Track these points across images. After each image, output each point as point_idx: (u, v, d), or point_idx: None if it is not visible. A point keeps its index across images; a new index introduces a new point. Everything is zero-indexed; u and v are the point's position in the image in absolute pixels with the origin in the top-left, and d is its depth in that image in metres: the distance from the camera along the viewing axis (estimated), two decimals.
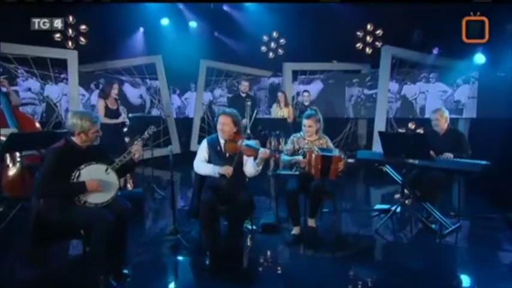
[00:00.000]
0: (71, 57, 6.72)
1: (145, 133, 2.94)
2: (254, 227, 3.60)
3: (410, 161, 3.70)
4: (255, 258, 3.19)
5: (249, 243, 3.43)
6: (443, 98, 6.89)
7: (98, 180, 2.68)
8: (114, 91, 5.04)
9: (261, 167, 3.22)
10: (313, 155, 3.41)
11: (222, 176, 3.12)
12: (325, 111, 6.60)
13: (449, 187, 4.00)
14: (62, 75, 6.90)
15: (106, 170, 2.76)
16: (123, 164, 2.81)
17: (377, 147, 6.39)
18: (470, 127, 6.44)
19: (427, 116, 7.03)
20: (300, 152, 3.65)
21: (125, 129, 5.15)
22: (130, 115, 5.27)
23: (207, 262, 2.98)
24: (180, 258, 3.21)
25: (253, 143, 3.22)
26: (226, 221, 3.27)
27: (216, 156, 3.24)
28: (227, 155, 3.24)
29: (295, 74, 7.80)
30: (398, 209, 3.96)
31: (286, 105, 6.64)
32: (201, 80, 8.23)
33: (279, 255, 3.34)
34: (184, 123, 8.19)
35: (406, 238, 3.72)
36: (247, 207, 3.14)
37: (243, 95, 6.43)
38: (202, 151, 3.28)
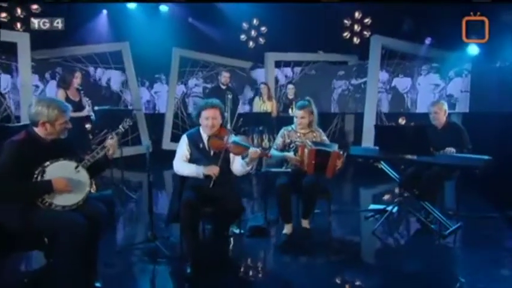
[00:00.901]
0: (22, 41, 6.36)
1: (121, 126, 2.82)
2: (241, 231, 3.55)
3: (409, 156, 3.75)
4: (243, 265, 3.14)
5: (235, 249, 3.37)
6: (435, 91, 7.07)
7: (67, 179, 2.53)
8: (76, 80, 4.86)
9: (250, 167, 3.16)
10: (306, 150, 3.39)
11: (207, 176, 3.03)
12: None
13: (449, 185, 4.07)
14: (11, 62, 6.54)
15: (76, 167, 2.61)
16: (96, 162, 2.67)
17: (367, 144, 6.50)
18: (462, 122, 6.64)
19: (418, 111, 7.25)
20: (291, 146, 3.62)
21: (88, 126, 4.95)
22: (96, 108, 5.09)
23: (189, 271, 2.91)
24: (158, 267, 3.12)
25: (240, 139, 3.14)
26: (210, 224, 3.19)
27: (198, 154, 3.15)
28: (211, 152, 3.15)
29: (278, 65, 7.79)
30: (395, 209, 4.01)
31: (270, 98, 6.62)
32: (173, 71, 8.08)
33: (270, 261, 3.30)
34: (154, 120, 8.00)
35: (406, 240, 3.76)
36: (236, 209, 3.07)
37: (223, 87, 6.36)
38: (182, 148, 3.17)
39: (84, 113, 4.78)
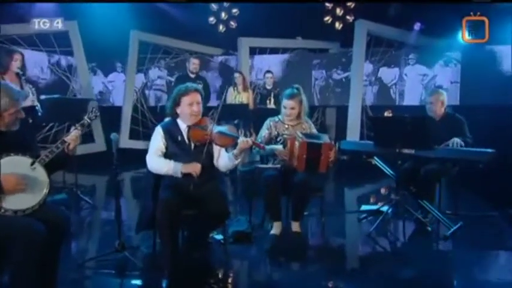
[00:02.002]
0: None
1: (85, 118, 2.70)
2: (225, 237, 3.46)
3: (406, 151, 3.82)
4: (227, 275, 3.08)
5: (218, 258, 3.30)
6: (423, 82, 7.28)
7: (19, 176, 2.37)
8: (16, 63, 4.60)
9: (239, 160, 3.09)
10: (297, 143, 3.36)
11: (186, 175, 2.93)
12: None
13: (445, 182, 4.18)
14: None
15: (32, 164, 2.45)
16: (54, 158, 2.53)
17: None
18: None
19: (406, 103, 7.45)
20: (278, 140, 3.58)
21: (30, 120, 4.69)
22: (43, 97, 4.84)
23: (165, 284, 2.84)
24: (129, 280, 3.00)
25: (226, 129, 3.07)
26: (188, 229, 3.11)
27: (176, 148, 3.05)
28: (192, 145, 3.07)
29: (253, 52, 7.75)
30: (391, 210, 4.07)
31: (245, 89, 6.57)
32: (132, 58, 7.86)
33: (257, 270, 3.25)
34: (109, 114, 7.72)
35: (405, 243, 3.81)
36: (221, 212, 3.00)
37: (192, 75, 6.27)
38: (156, 141, 3.05)
39: (27, 103, 4.51)
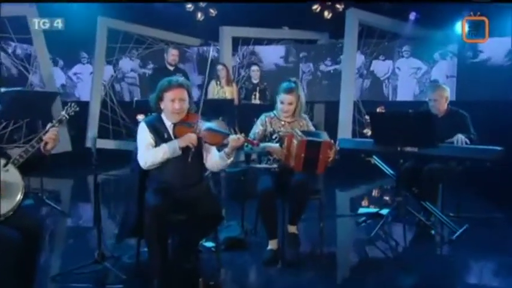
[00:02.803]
0: None
1: (63, 113, 2.68)
2: (217, 244, 3.43)
3: (408, 149, 3.88)
4: (221, 286, 3.07)
5: (210, 267, 3.27)
6: (417, 76, 7.40)
7: None
8: None
9: (232, 159, 3.08)
10: (295, 141, 3.35)
11: (185, 152, 2.91)
12: (273, 92, 6.67)
13: (451, 181, 4.26)
14: None
15: (5, 165, 2.40)
16: (29, 159, 2.49)
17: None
18: None
19: (399, 98, 7.57)
20: (274, 137, 3.57)
21: None
22: (2, 90, 4.70)
23: None
24: None
25: (216, 125, 3.05)
26: (178, 236, 3.06)
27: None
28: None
29: (236, 42, 7.74)
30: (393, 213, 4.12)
31: (229, 83, 6.54)
32: (99, 48, 7.71)
33: (253, 279, 3.25)
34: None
35: (407, 248, 3.86)
36: (214, 216, 2.99)
37: (171, 68, 6.21)
38: (144, 136, 3.01)
39: None
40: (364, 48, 7.55)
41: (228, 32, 7.61)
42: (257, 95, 6.35)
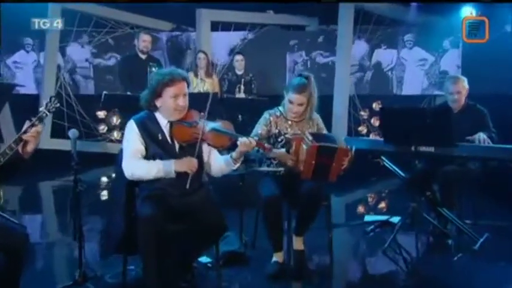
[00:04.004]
0: None
1: (44, 109, 2.63)
2: (208, 260, 3.44)
3: (423, 148, 3.95)
4: None
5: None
6: (424, 68, 7.56)
7: None
8: None
9: (238, 164, 3.08)
10: (304, 146, 3.35)
11: (179, 175, 2.86)
12: (258, 86, 6.73)
13: (470, 184, 4.37)
14: None
15: None
16: (6, 163, 2.48)
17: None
18: None
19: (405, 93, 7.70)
20: (279, 139, 3.54)
21: None
22: None
23: None
24: None
25: (220, 125, 3.04)
26: (175, 250, 3.00)
27: (157, 149, 2.97)
28: (177, 146, 3.01)
29: (215, 27, 7.71)
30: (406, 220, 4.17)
31: (209, 74, 6.51)
32: (51, 32, 7.47)
33: None
34: (17, 104, 7.29)
35: (426, 261, 3.93)
36: (217, 226, 2.97)
37: (143, 56, 6.15)
38: (133, 141, 2.95)
39: None
40: (363, 35, 7.65)
41: (206, 16, 7.58)
42: (242, 87, 6.34)
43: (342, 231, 4.57)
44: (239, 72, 6.59)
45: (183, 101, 2.96)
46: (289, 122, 3.61)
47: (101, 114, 8.01)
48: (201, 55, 6.48)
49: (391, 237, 3.96)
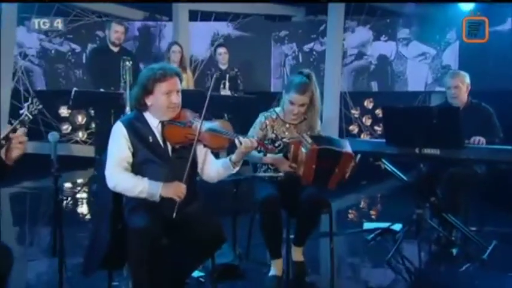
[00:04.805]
0: None
1: (25, 112, 2.59)
2: (201, 274, 3.42)
3: (429, 151, 4.01)
4: None
5: None
6: (426, 62, 7.68)
7: None
8: None
9: (237, 168, 3.07)
10: (303, 149, 3.35)
11: (163, 199, 2.84)
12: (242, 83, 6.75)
13: (476, 189, 4.45)
14: None
15: None
16: None
17: None
18: None
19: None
20: (277, 145, 3.54)
21: None
22: None
23: None
24: None
25: (217, 125, 3.03)
26: (168, 264, 2.98)
27: (148, 154, 2.93)
28: (169, 149, 2.98)
29: (194, 16, 7.68)
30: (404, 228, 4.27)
31: (183, 68, 6.46)
32: (6, 20, 7.29)
33: None
34: None
35: (436, 272, 3.99)
36: (214, 238, 2.94)
37: (115, 49, 6.10)
38: (119, 147, 2.91)
39: None
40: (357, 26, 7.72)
41: (183, 4, 7.55)
42: (227, 84, 6.32)
43: (340, 240, 4.61)
44: (223, 67, 6.59)
45: (177, 98, 2.95)
46: (287, 125, 3.63)
47: (64, 112, 7.92)
48: (175, 47, 6.46)
49: (395, 246, 4.03)
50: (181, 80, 3.04)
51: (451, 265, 4.07)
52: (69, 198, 5.90)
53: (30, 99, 2.68)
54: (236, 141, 2.97)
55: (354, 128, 7.90)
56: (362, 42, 7.87)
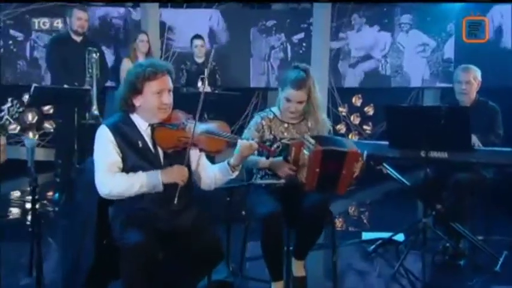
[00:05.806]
0: None
1: (6, 116, 2.72)
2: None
3: (435, 154, 4.11)
4: None
5: None
6: (425, 55, 7.81)
7: None
8: None
9: (237, 173, 3.10)
10: (305, 151, 3.38)
11: (165, 190, 2.88)
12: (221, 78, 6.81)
13: (483, 195, 4.58)
14: None
15: None
16: None
17: None
18: None
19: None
20: (275, 146, 3.56)
21: None
22: None
23: None
24: None
25: (214, 126, 3.05)
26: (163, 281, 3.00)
27: (137, 159, 2.96)
28: (161, 154, 3.02)
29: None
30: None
31: None
32: None
33: None
34: None
35: (441, 285, 4.10)
36: (213, 253, 2.98)
37: (78, 38, 6.05)
38: (107, 152, 2.92)
39: None
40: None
41: None
42: (205, 79, 6.31)
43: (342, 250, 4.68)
44: (199, 60, 6.59)
45: (168, 98, 2.97)
46: (285, 125, 3.67)
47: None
48: (143, 37, 6.48)
49: (400, 261, 4.13)
50: (172, 78, 3.05)
51: (461, 277, 4.18)
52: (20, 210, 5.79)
53: (10, 101, 2.65)
54: (238, 142, 3.01)
55: (341, 128, 7.97)
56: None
